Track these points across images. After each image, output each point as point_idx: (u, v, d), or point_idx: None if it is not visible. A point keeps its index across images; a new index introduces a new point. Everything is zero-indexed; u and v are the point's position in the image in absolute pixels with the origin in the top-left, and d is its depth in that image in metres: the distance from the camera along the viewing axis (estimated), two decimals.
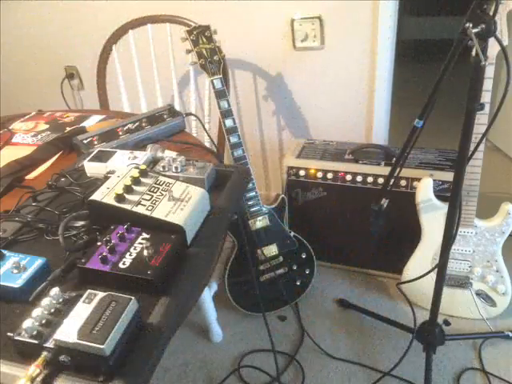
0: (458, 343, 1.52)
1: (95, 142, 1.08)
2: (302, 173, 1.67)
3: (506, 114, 2.16)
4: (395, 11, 1.64)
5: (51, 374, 0.54)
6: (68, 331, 0.53)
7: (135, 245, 0.67)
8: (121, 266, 0.64)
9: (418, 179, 1.49)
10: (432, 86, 1.07)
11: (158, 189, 0.76)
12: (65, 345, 0.53)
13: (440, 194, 1.44)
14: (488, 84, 1.17)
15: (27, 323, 0.55)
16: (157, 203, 0.73)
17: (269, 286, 1.61)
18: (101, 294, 0.58)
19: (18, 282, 0.63)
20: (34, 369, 0.52)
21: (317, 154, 1.70)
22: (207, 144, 1.48)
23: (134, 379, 0.53)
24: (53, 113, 1.40)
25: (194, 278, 0.68)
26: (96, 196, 0.73)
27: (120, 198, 0.73)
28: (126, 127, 1.13)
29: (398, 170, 1.31)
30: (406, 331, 1.52)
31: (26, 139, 1.23)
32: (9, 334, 0.55)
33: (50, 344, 0.54)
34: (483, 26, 0.85)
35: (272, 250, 1.58)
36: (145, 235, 0.69)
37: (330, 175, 1.63)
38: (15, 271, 0.65)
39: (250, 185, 1.47)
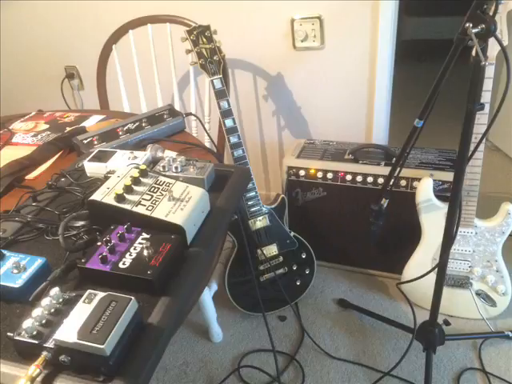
0: (457, 343, 1.52)
1: (95, 142, 1.08)
2: (301, 173, 1.66)
3: (506, 114, 2.16)
4: (395, 11, 1.64)
5: (51, 374, 0.54)
6: (68, 331, 0.53)
7: (135, 245, 0.67)
8: (121, 266, 0.64)
9: (418, 179, 1.49)
10: (432, 86, 1.07)
11: (158, 189, 0.76)
12: (65, 345, 0.53)
13: (440, 194, 1.44)
14: (488, 84, 1.17)
15: (27, 323, 0.55)
16: (157, 203, 0.73)
17: (269, 285, 1.61)
18: (101, 294, 0.58)
19: (18, 282, 0.63)
20: (34, 369, 0.52)
21: (317, 154, 1.70)
22: (207, 144, 1.49)
23: (134, 379, 0.53)
24: (53, 113, 1.41)
25: (193, 278, 0.68)
26: (96, 196, 0.73)
27: (120, 197, 0.72)
28: (126, 127, 1.13)
29: (398, 169, 1.31)
30: (406, 331, 1.52)
31: (26, 139, 1.23)
32: (9, 334, 0.55)
33: (50, 344, 0.54)
34: (483, 25, 0.84)
35: (272, 250, 1.58)
36: (145, 235, 0.69)
37: (329, 175, 1.63)
38: (15, 271, 0.65)
39: (250, 185, 1.47)
